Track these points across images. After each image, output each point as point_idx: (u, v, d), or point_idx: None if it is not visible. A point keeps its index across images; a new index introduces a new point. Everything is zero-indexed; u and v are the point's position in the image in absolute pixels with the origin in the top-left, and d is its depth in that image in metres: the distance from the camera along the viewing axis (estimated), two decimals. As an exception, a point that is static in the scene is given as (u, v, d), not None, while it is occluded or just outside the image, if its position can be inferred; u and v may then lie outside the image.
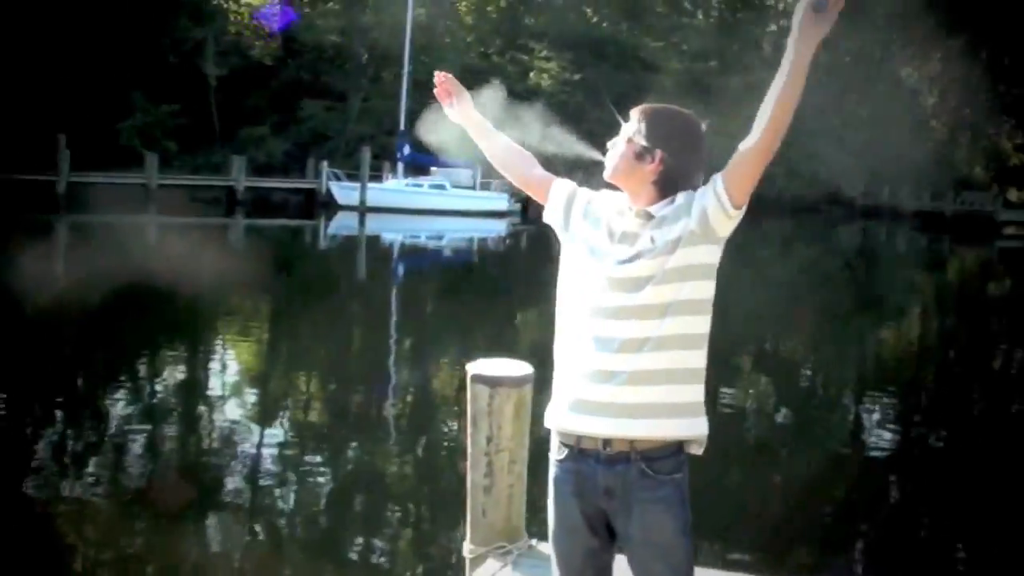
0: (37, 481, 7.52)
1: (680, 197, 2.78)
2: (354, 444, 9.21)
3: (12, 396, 9.96)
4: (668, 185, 2.81)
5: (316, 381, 12.02)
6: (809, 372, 14.16)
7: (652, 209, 2.79)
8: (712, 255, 2.76)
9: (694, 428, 2.76)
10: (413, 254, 31.54)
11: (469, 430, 3.45)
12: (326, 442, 9.21)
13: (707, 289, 2.77)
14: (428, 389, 11.89)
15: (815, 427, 10.67)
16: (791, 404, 11.71)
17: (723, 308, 2.87)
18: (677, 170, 2.82)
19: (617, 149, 2.84)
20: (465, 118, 3.12)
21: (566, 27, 54.94)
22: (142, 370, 11.93)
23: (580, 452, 2.78)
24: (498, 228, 38.82)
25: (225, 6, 52.69)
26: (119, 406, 9.94)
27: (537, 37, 54.39)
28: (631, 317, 2.71)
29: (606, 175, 2.88)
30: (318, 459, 8.65)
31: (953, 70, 60.14)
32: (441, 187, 42.00)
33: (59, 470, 7.85)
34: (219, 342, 14.32)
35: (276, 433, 9.23)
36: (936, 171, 54.75)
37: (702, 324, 2.77)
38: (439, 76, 3.11)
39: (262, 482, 7.75)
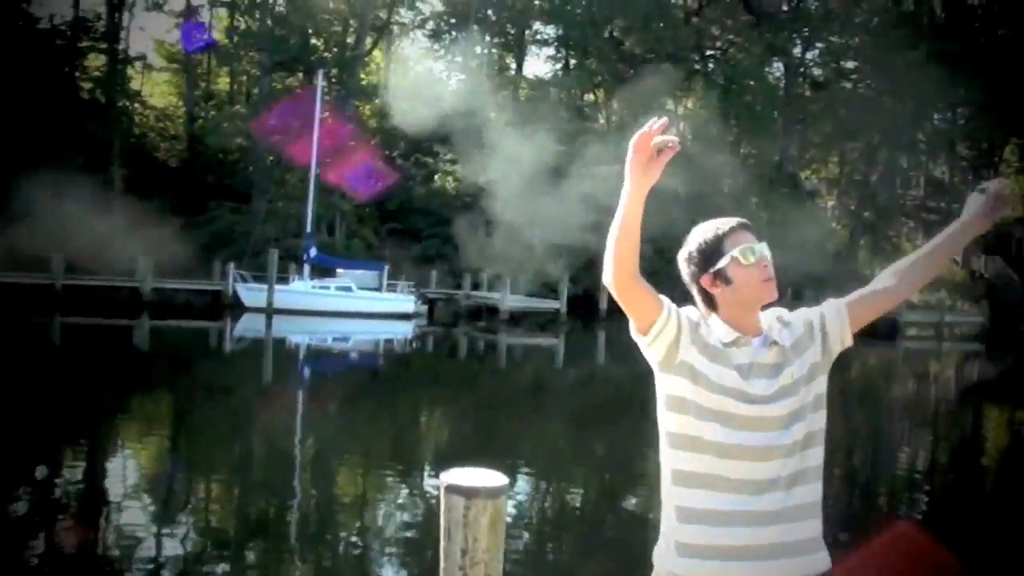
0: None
1: (777, 323, 2.84)
2: (255, 547, 9.21)
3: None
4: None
5: (218, 485, 11.95)
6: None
7: (776, 335, 2.80)
8: (825, 383, 2.82)
9: (827, 558, 2.76)
10: (320, 356, 31.46)
11: (442, 543, 3.33)
12: (231, 547, 9.19)
13: (824, 416, 2.80)
14: (338, 490, 11.93)
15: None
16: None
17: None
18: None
19: (769, 271, 2.79)
20: (648, 185, 2.60)
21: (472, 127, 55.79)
22: (39, 470, 11.77)
23: None
24: (404, 330, 38.92)
25: (131, 108, 52.71)
26: (12, 507, 9.81)
27: (441, 140, 55.12)
28: (783, 456, 2.67)
29: (774, 296, 2.81)
30: (224, 565, 8.64)
31: (852, 172, 62.27)
32: (347, 289, 42.11)
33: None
34: (119, 444, 14.18)
35: (176, 537, 9.16)
36: (838, 273, 56.20)
37: (823, 453, 2.79)
38: (659, 125, 2.54)
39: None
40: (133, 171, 48.50)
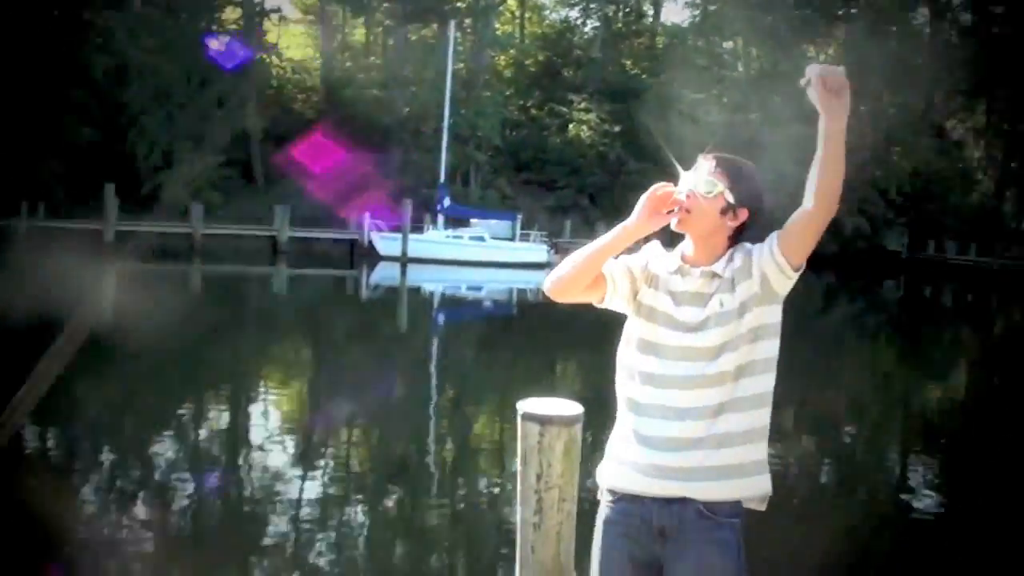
0: (82, 522, 7.56)
1: (737, 255, 2.83)
2: (399, 486, 9.17)
3: (57, 439, 10.08)
4: (736, 242, 2.88)
5: (359, 428, 12.02)
6: (853, 430, 14.01)
7: (717, 268, 2.83)
8: (775, 314, 2.80)
9: (761, 485, 2.79)
10: (453, 305, 31.60)
11: (519, 468, 3.42)
12: (371, 486, 9.17)
13: (773, 348, 2.81)
14: (474, 432, 11.90)
15: (860, 485, 10.55)
16: (837, 461, 11.60)
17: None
18: (748, 228, 2.89)
19: (697, 202, 2.80)
20: (646, 233, 2.85)
21: (605, 79, 55.25)
22: (185, 415, 11.99)
23: (635, 496, 2.80)
24: (537, 279, 38.79)
25: (268, 60, 53.44)
26: (161, 452, 9.99)
27: (576, 89, 54.69)
28: (707, 386, 2.73)
29: (679, 226, 2.84)
30: (363, 504, 8.62)
31: (999, 122, 59.76)
32: (480, 239, 42.17)
33: (102, 514, 7.89)
34: (262, 390, 14.39)
35: (318, 480, 9.20)
36: (982, 225, 54.30)
37: (770, 381, 2.80)
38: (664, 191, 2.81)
39: (305, 529, 7.72)
40: (271, 122, 49.30)
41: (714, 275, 2.81)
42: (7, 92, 37.61)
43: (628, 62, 58.27)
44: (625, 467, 2.81)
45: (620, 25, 60.14)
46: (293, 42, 60.79)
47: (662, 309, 2.84)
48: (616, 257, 2.91)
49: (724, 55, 57.82)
